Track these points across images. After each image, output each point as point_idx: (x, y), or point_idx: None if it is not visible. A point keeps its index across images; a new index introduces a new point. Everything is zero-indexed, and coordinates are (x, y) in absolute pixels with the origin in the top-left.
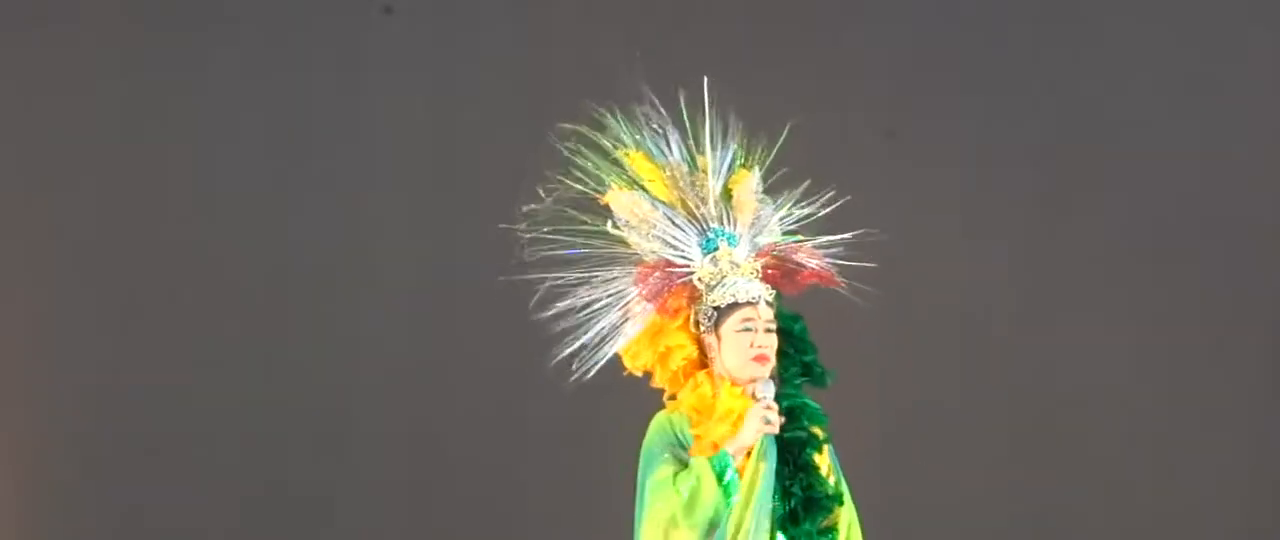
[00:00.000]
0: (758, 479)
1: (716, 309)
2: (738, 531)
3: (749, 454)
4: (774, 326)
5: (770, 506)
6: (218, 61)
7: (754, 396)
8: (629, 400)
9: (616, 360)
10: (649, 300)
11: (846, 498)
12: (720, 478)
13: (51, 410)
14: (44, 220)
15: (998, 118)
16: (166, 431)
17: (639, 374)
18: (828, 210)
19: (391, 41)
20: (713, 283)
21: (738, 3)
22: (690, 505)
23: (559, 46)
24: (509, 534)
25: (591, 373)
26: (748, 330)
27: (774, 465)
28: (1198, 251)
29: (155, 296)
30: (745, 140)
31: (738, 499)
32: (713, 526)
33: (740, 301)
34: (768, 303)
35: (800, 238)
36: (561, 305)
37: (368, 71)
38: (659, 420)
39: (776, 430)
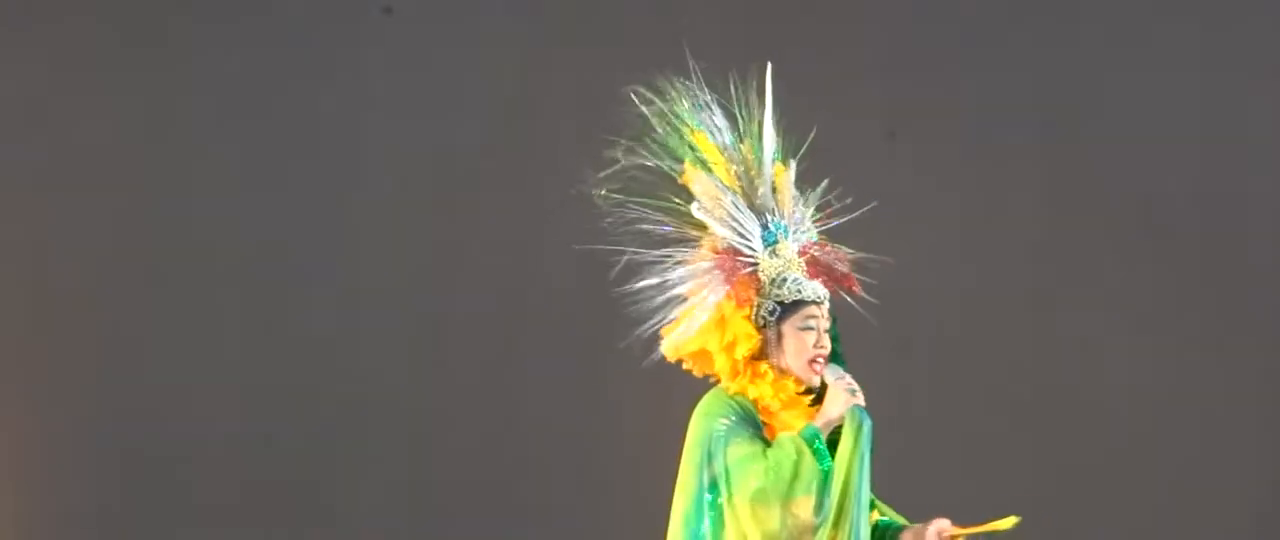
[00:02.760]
0: (859, 441)
1: (781, 305)
2: (844, 499)
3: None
4: (829, 328)
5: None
6: (217, 61)
7: (826, 380)
8: (630, 399)
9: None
10: (726, 284)
11: None
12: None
13: (51, 411)
14: (43, 220)
15: (998, 116)
16: (166, 432)
17: (685, 363)
18: (848, 216)
19: (391, 41)
20: (776, 277)
21: (737, 3)
22: (793, 481)
23: (559, 46)
24: (509, 533)
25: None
26: (810, 329)
27: (870, 427)
28: (1199, 250)
29: (154, 296)
30: (781, 133)
31: (840, 465)
32: (818, 497)
33: (807, 299)
34: (820, 302)
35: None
36: (638, 283)
37: (368, 71)
38: (717, 395)
39: (862, 401)
